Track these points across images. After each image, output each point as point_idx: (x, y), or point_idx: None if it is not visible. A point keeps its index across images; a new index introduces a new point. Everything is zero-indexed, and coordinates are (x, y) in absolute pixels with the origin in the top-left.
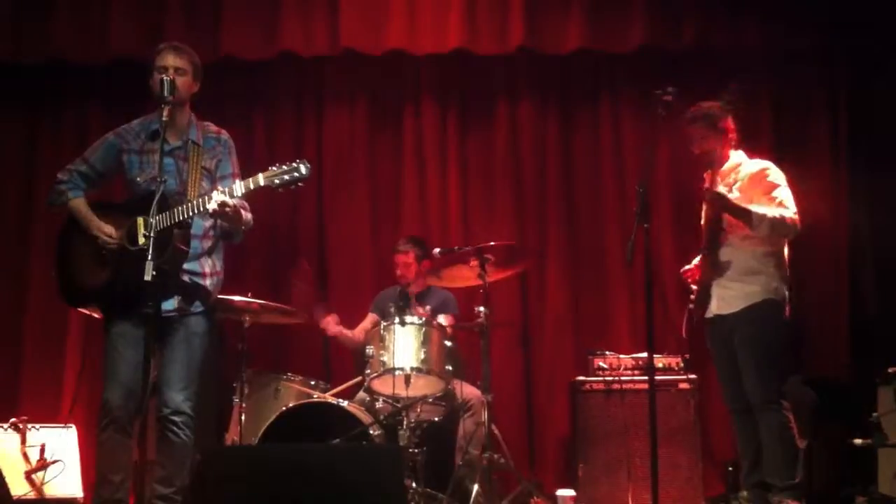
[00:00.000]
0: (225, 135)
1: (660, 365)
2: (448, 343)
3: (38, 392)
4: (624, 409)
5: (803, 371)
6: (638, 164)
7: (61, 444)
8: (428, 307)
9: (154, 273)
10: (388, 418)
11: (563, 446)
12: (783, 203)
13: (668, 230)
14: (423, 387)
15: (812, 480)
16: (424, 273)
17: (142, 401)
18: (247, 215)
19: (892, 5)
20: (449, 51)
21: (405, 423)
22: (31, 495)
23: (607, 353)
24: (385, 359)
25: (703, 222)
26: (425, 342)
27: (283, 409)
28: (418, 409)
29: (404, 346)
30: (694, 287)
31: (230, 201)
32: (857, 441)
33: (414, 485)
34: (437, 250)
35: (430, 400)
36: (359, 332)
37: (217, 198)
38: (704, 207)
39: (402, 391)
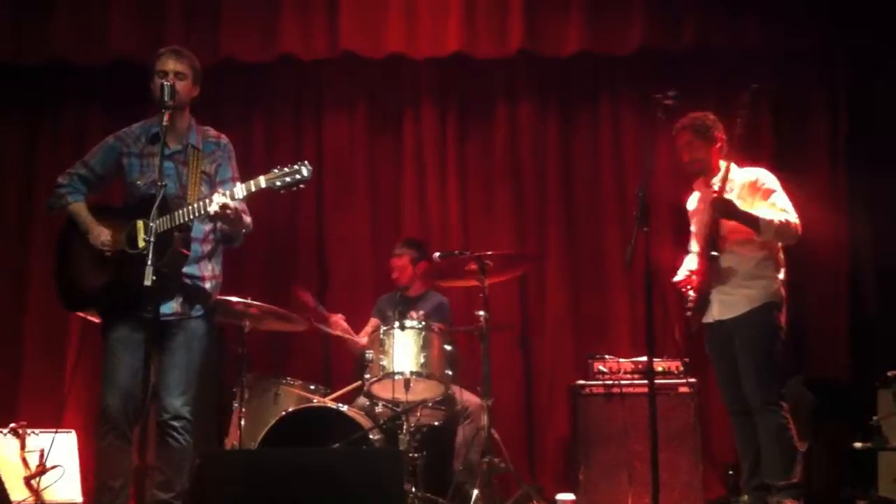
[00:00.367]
0: (224, 139)
1: (660, 369)
2: (448, 347)
3: (38, 397)
4: (624, 413)
5: (803, 372)
6: (638, 167)
7: (61, 449)
8: (422, 312)
9: (154, 278)
10: (388, 422)
11: (562, 450)
12: (785, 208)
13: (667, 233)
14: (423, 391)
15: (812, 482)
16: (421, 275)
17: (142, 406)
18: (246, 219)
19: (892, 5)
20: (448, 54)
21: (405, 427)
22: (31, 500)
23: (607, 356)
24: (385, 363)
25: (697, 229)
26: (425, 346)
27: (283, 413)
28: (418, 414)
29: (404, 350)
30: (692, 294)
31: (231, 204)
32: (858, 444)
33: (413, 489)
34: (437, 254)
35: (430, 404)
36: (363, 336)
37: (218, 200)
38: (697, 215)
39: (401, 395)
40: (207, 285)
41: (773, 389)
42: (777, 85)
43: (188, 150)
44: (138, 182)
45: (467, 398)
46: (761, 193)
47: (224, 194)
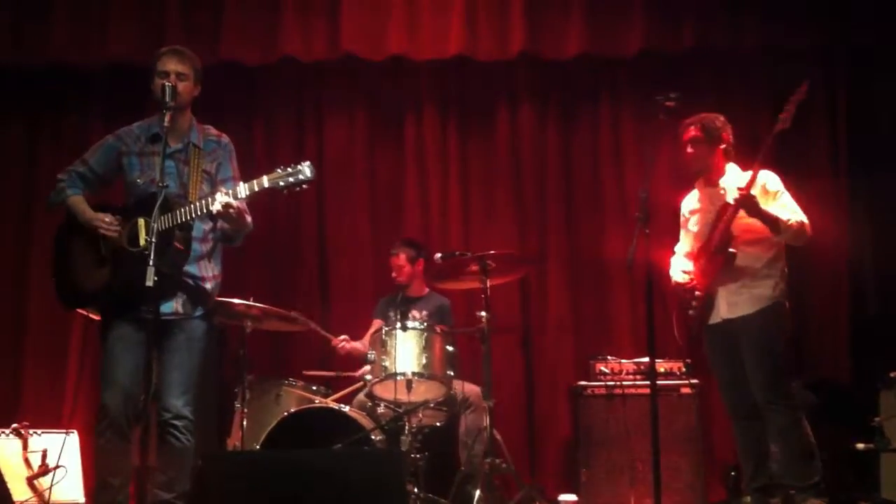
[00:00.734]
0: (225, 138)
1: (661, 370)
2: (450, 348)
3: (40, 397)
4: (626, 414)
5: (804, 374)
6: (638, 169)
7: (63, 449)
8: (424, 313)
9: (155, 279)
10: (390, 423)
11: (564, 451)
12: (795, 210)
13: (669, 235)
14: (425, 392)
15: None
16: (420, 274)
17: (143, 407)
18: (247, 219)
19: (891, 5)
20: (449, 56)
21: (407, 428)
22: (33, 501)
23: (609, 357)
24: (387, 364)
25: (699, 229)
26: (427, 347)
27: (285, 414)
28: (420, 415)
29: (406, 351)
30: (697, 294)
31: (234, 203)
32: (860, 445)
33: (416, 490)
34: (438, 255)
35: (432, 405)
36: (367, 340)
37: (221, 199)
38: (698, 213)
39: (403, 396)
40: (208, 286)
41: (781, 387)
42: (777, 85)
43: (189, 148)
44: (138, 181)
45: (468, 389)
46: (770, 195)
47: (227, 193)
